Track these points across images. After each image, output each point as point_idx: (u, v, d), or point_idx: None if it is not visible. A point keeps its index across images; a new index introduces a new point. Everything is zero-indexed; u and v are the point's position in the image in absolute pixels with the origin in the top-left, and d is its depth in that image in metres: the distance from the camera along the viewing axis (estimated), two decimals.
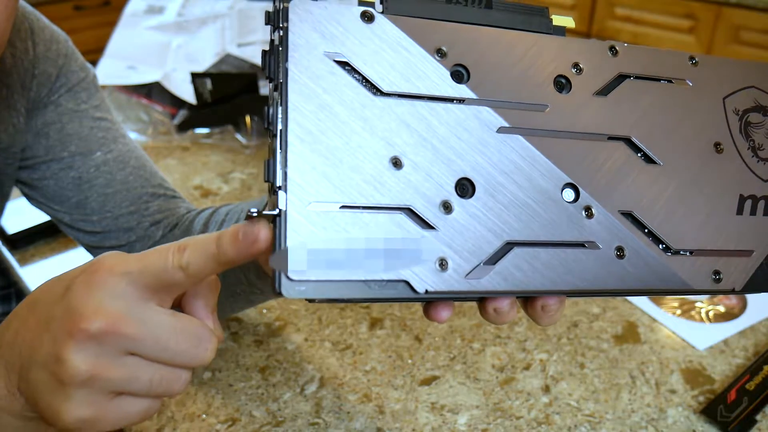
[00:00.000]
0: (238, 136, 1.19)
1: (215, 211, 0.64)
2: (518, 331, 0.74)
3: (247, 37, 1.27)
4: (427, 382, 0.68)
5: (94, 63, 1.22)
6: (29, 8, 0.65)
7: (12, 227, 0.91)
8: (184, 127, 1.20)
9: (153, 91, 1.24)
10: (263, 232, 0.34)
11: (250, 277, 0.56)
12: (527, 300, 0.41)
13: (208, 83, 1.16)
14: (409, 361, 0.70)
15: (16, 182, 0.68)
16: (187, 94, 1.18)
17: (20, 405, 0.38)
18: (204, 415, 0.63)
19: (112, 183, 0.66)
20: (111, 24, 1.38)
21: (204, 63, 1.23)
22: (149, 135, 1.19)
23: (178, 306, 0.39)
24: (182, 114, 1.20)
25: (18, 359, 0.37)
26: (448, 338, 0.73)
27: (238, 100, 1.18)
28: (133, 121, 1.21)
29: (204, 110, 1.19)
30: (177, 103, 1.21)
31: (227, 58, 1.23)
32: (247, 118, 1.19)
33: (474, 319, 0.76)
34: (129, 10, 1.37)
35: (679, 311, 0.77)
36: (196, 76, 1.16)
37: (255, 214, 0.34)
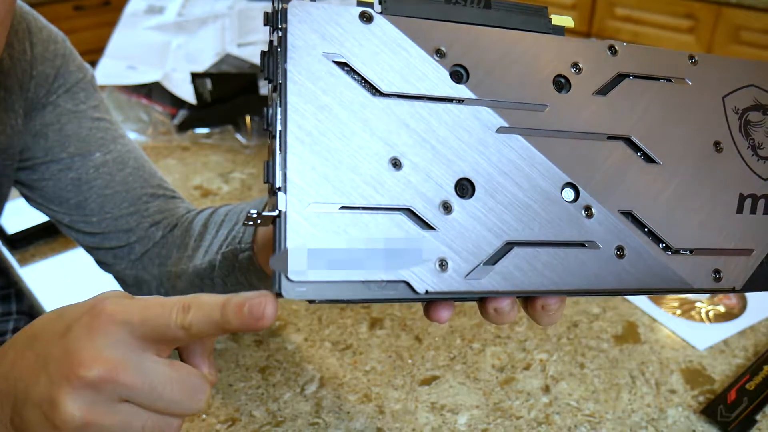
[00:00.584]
0: (238, 136, 1.19)
1: (214, 212, 0.64)
2: (518, 331, 0.74)
3: (247, 37, 1.27)
4: (427, 382, 0.68)
5: (94, 63, 1.22)
6: (27, 8, 0.65)
7: (12, 227, 0.91)
8: (184, 127, 1.20)
9: (153, 91, 1.24)
10: (269, 308, 0.34)
11: (252, 279, 0.56)
12: (527, 300, 0.41)
13: (208, 83, 1.16)
14: (409, 361, 0.70)
15: (15, 183, 0.68)
16: (187, 94, 1.18)
17: None
18: (204, 415, 0.63)
19: (111, 184, 0.66)
20: (111, 24, 1.38)
21: (204, 63, 1.22)
22: (149, 135, 1.19)
23: (176, 348, 0.40)
24: (182, 114, 1.20)
25: (13, 392, 0.37)
26: (448, 338, 0.73)
27: (238, 100, 1.18)
28: (133, 121, 1.21)
29: (204, 110, 1.19)
30: (177, 103, 1.21)
31: (227, 58, 1.23)
32: (247, 118, 1.19)
33: (474, 319, 0.76)
34: (129, 10, 1.37)
35: (679, 311, 0.77)
36: (196, 76, 1.16)
37: (255, 215, 0.34)
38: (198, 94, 1.17)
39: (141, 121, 1.21)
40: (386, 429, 0.62)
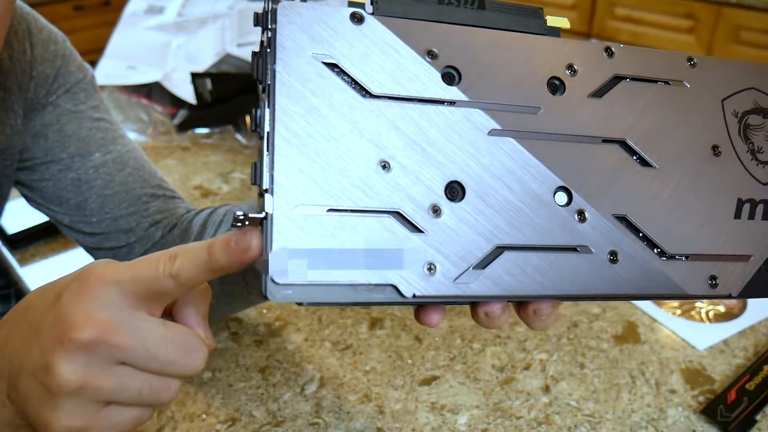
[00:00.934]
0: (238, 136, 1.19)
1: (213, 212, 0.64)
2: (518, 331, 0.74)
3: (247, 37, 1.27)
4: (427, 382, 0.68)
5: (94, 63, 1.22)
6: (27, 9, 0.65)
7: (12, 227, 0.91)
8: (184, 127, 1.20)
9: (153, 91, 1.24)
10: (255, 240, 0.33)
11: (248, 277, 0.56)
12: (520, 304, 0.41)
13: (208, 83, 1.16)
14: (409, 361, 0.70)
15: (15, 183, 0.68)
16: (187, 94, 1.18)
17: (10, 414, 0.38)
18: (204, 415, 0.63)
19: (111, 184, 0.66)
20: (111, 24, 1.38)
21: (204, 63, 1.22)
22: (149, 135, 1.19)
23: (169, 314, 0.39)
24: (182, 114, 1.20)
25: (8, 367, 0.37)
26: (448, 338, 0.73)
27: (238, 100, 1.18)
28: (133, 121, 1.21)
29: (204, 110, 1.19)
30: (177, 103, 1.21)
31: (227, 58, 1.23)
32: (247, 118, 1.19)
33: None
34: (129, 10, 1.37)
35: (679, 311, 0.77)
36: (196, 76, 1.16)
37: (241, 217, 0.34)
38: (198, 94, 1.17)
39: (141, 121, 1.21)
40: (386, 429, 0.62)
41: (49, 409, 0.35)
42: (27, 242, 0.91)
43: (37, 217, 0.89)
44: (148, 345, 0.35)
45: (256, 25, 0.36)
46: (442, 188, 0.36)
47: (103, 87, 1.22)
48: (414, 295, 0.35)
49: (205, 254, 0.34)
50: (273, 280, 0.33)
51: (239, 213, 0.34)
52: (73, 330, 0.34)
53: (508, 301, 0.40)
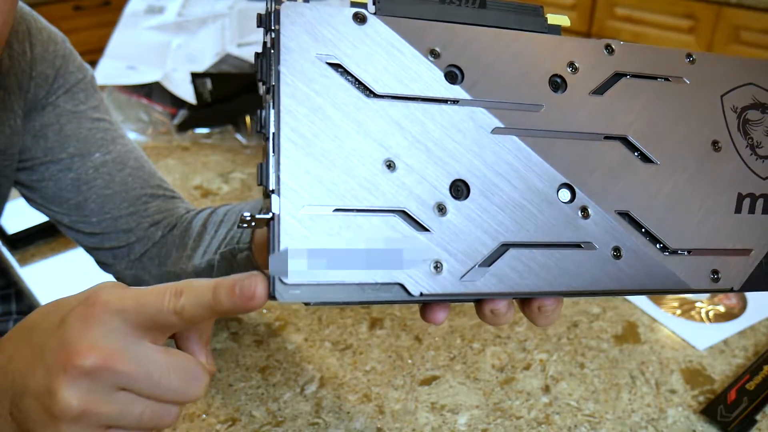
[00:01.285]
0: (238, 136, 1.19)
1: (213, 212, 0.64)
2: (518, 331, 0.74)
3: (247, 37, 1.27)
4: (427, 382, 0.68)
5: (94, 63, 1.21)
6: (27, 9, 0.65)
7: (12, 227, 0.91)
8: (184, 127, 1.20)
9: (153, 91, 1.24)
10: (260, 287, 0.33)
11: None
12: (524, 301, 0.41)
13: (208, 83, 1.16)
14: (409, 361, 0.70)
15: (14, 183, 0.68)
16: (187, 94, 1.18)
17: (12, 429, 0.38)
18: (204, 415, 0.63)
19: (111, 184, 0.66)
20: (111, 24, 1.38)
21: (204, 63, 1.22)
22: (149, 135, 1.19)
23: (173, 337, 0.40)
24: (182, 114, 1.20)
25: (11, 385, 0.37)
26: (448, 338, 0.73)
27: (238, 100, 1.18)
28: (133, 121, 1.21)
29: (204, 110, 1.19)
30: (177, 103, 1.21)
31: (227, 58, 1.23)
32: (247, 118, 1.19)
33: (474, 319, 0.76)
34: (129, 10, 1.37)
35: (679, 311, 0.77)
36: (196, 76, 1.16)
37: (249, 218, 0.34)
38: (198, 94, 1.17)
39: (141, 121, 1.21)
40: (386, 429, 0.62)
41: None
42: (27, 242, 0.91)
43: (37, 217, 0.89)
44: (150, 373, 0.35)
45: (259, 26, 0.36)
46: (447, 187, 0.37)
47: (103, 87, 1.22)
48: (421, 294, 0.35)
49: (209, 296, 0.35)
50: (281, 281, 0.33)
51: (246, 214, 0.34)
52: (77, 356, 0.34)
53: (513, 298, 0.40)
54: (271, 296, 0.33)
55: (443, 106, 0.37)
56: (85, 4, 2.60)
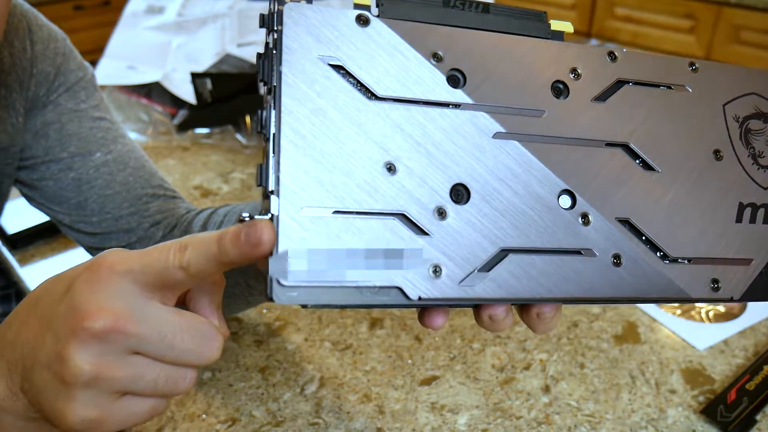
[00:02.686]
0: (238, 136, 1.19)
1: (214, 212, 0.64)
2: (518, 331, 0.74)
3: (247, 37, 1.27)
4: (427, 382, 0.68)
5: (94, 63, 1.21)
6: (27, 7, 0.65)
7: (12, 227, 0.91)
8: (184, 127, 1.20)
9: (153, 91, 1.24)
10: (266, 233, 0.33)
11: (249, 280, 0.56)
12: (523, 307, 0.41)
13: (208, 83, 1.16)
14: (409, 361, 0.70)
15: (15, 183, 0.68)
16: (187, 94, 1.18)
17: (23, 405, 0.38)
18: (204, 415, 0.63)
19: (111, 184, 0.66)
20: (111, 24, 1.38)
21: (204, 63, 1.22)
22: (149, 135, 1.19)
23: (183, 303, 0.39)
24: (182, 114, 1.20)
25: (20, 359, 0.37)
26: (448, 338, 0.73)
27: (238, 100, 1.18)
28: (133, 121, 1.21)
29: (204, 110, 1.19)
30: (177, 103, 1.21)
31: (227, 58, 1.23)
32: (247, 118, 1.19)
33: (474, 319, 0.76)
34: (129, 10, 1.37)
35: (679, 311, 0.77)
36: (196, 76, 1.16)
37: (247, 219, 0.33)
38: (198, 94, 1.17)
39: (141, 121, 1.21)
40: (386, 429, 0.62)
41: (64, 400, 0.35)
42: (27, 242, 0.91)
43: (37, 217, 0.89)
44: (163, 333, 0.34)
45: (261, 26, 0.36)
46: (447, 191, 0.36)
47: (103, 87, 1.22)
48: (419, 298, 0.35)
49: (214, 247, 0.34)
50: (278, 282, 0.33)
51: (245, 214, 0.33)
52: (86, 319, 0.33)
53: (512, 304, 0.40)
54: (269, 298, 0.33)
55: (445, 110, 0.37)
56: (85, 4, 2.60)
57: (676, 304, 0.78)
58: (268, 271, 0.33)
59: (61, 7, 2.52)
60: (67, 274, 0.37)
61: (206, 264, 0.34)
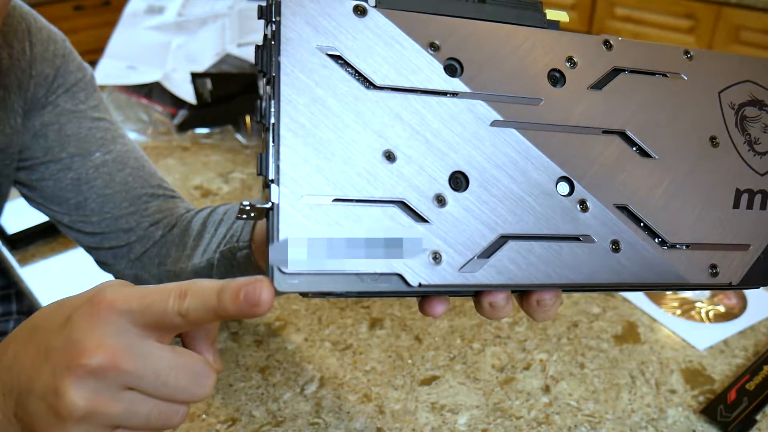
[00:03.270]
0: (238, 136, 1.19)
1: (213, 211, 0.64)
2: (518, 331, 0.74)
3: (247, 37, 1.27)
4: (427, 382, 0.68)
5: (94, 63, 1.21)
6: (27, 8, 0.65)
7: (12, 227, 0.91)
8: (184, 127, 1.20)
9: (153, 91, 1.24)
10: (265, 293, 0.33)
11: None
12: (522, 295, 0.41)
13: (208, 83, 1.16)
14: (409, 361, 0.70)
15: (15, 183, 0.68)
16: (187, 94, 1.18)
17: (16, 431, 0.38)
18: (204, 415, 0.63)
19: (111, 184, 0.66)
20: (111, 24, 1.38)
21: (204, 63, 1.22)
22: (149, 135, 1.19)
23: (179, 336, 0.39)
24: (182, 114, 1.20)
25: (16, 385, 0.37)
26: (448, 338, 0.73)
27: (238, 100, 1.18)
28: (133, 121, 1.21)
29: (204, 110, 1.19)
30: (177, 103, 1.21)
31: (227, 58, 1.23)
32: (247, 118, 1.19)
33: (474, 319, 0.76)
34: (129, 10, 1.37)
35: (679, 311, 0.77)
36: (196, 76, 1.16)
37: (248, 208, 0.34)
38: (198, 94, 1.17)
39: (141, 121, 1.21)
40: (386, 429, 0.62)
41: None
42: (27, 242, 0.91)
43: (37, 217, 0.89)
44: (158, 372, 0.35)
45: (260, 17, 0.36)
46: (446, 178, 0.37)
47: (103, 87, 1.22)
48: (420, 284, 0.35)
49: (214, 300, 0.34)
50: (280, 270, 0.33)
51: (245, 203, 0.34)
52: (83, 355, 0.34)
53: (513, 291, 0.40)
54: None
55: (442, 99, 0.37)
56: (85, 4, 2.60)
57: (676, 304, 0.78)
58: (270, 259, 0.33)
59: (61, 8, 2.52)
60: (67, 303, 0.37)
61: (205, 314, 0.35)
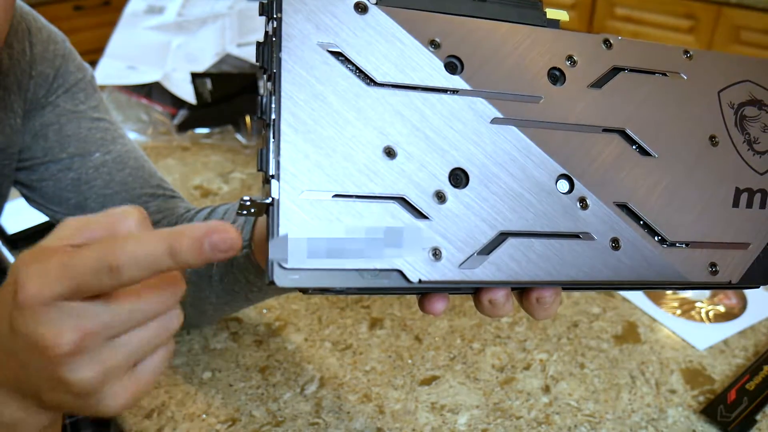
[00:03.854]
0: (238, 136, 1.19)
1: (213, 210, 0.64)
2: (518, 331, 0.74)
3: (247, 37, 1.27)
4: (427, 382, 0.68)
5: (94, 63, 1.21)
6: (27, 8, 0.65)
7: (12, 227, 0.90)
8: (184, 127, 1.20)
9: (153, 91, 1.24)
10: (233, 234, 0.31)
11: (249, 276, 0.56)
12: (522, 293, 0.41)
13: (208, 83, 1.16)
14: (409, 361, 0.70)
15: (14, 183, 0.68)
16: (187, 94, 1.18)
17: (48, 417, 0.38)
18: (204, 415, 0.63)
19: (111, 184, 0.66)
20: (111, 24, 1.38)
21: (204, 63, 1.22)
22: (149, 135, 1.19)
23: None
24: (182, 114, 1.20)
25: (18, 387, 0.37)
26: (448, 338, 0.73)
27: (238, 100, 1.18)
28: (133, 121, 1.21)
29: (204, 110, 1.19)
30: (177, 103, 1.21)
31: (227, 58, 1.23)
32: (247, 118, 1.19)
33: (474, 319, 0.76)
34: (129, 10, 1.37)
35: (679, 311, 0.77)
36: (196, 76, 1.16)
37: (248, 203, 0.34)
38: (198, 94, 1.17)
39: (141, 121, 1.21)
40: (386, 429, 0.62)
41: (94, 403, 0.35)
42: (27, 242, 0.90)
43: (37, 217, 0.88)
44: (124, 307, 0.34)
45: (261, 14, 0.36)
46: (446, 175, 0.37)
47: (103, 87, 1.22)
48: (420, 281, 0.36)
49: (165, 262, 0.32)
50: (280, 265, 0.33)
51: (245, 198, 0.34)
52: (53, 349, 0.33)
53: (512, 289, 0.40)
54: (270, 281, 0.33)
55: (443, 96, 0.37)
56: (85, 4, 2.60)
57: (676, 304, 0.78)
58: (270, 254, 0.33)
59: (61, 8, 2.52)
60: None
61: (150, 274, 0.33)
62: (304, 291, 0.36)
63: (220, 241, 0.31)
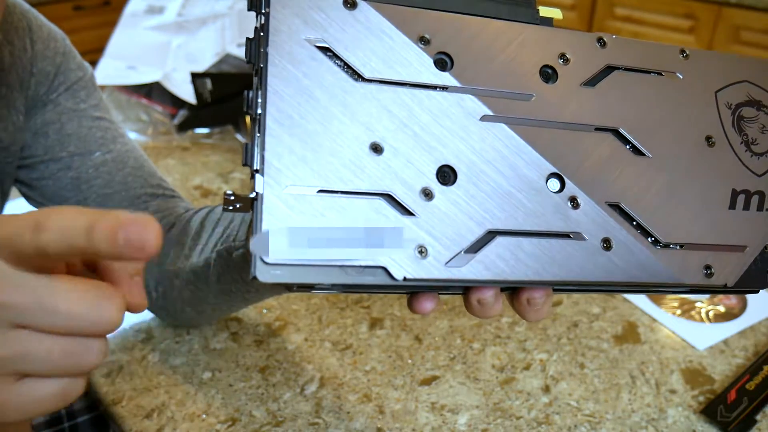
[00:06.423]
0: (238, 136, 1.19)
1: (212, 210, 0.64)
2: (518, 331, 0.74)
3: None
4: (427, 382, 0.68)
5: (94, 63, 1.21)
6: (27, 6, 0.65)
7: None
8: (184, 127, 1.20)
9: (153, 91, 1.24)
10: (150, 235, 0.29)
11: (247, 277, 0.56)
12: (513, 294, 0.41)
13: (208, 83, 1.16)
14: (409, 361, 0.70)
15: (15, 182, 0.68)
16: (187, 94, 1.18)
17: None
18: (204, 415, 0.63)
19: (110, 183, 0.66)
20: (111, 24, 1.38)
21: (204, 63, 1.22)
22: (149, 135, 1.19)
23: (93, 272, 0.34)
24: (182, 114, 1.20)
25: None
26: (448, 338, 0.73)
27: (238, 100, 1.18)
28: (133, 121, 1.21)
29: (204, 110, 1.19)
30: (177, 103, 1.21)
31: (227, 58, 1.23)
32: (247, 118, 1.19)
33: (474, 319, 0.76)
34: (129, 10, 1.37)
35: (679, 311, 0.77)
36: (196, 76, 1.16)
37: (231, 198, 0.34)
38: (198, 94, 1.17)
39: (141, 121, 1.21)
40: (386, 429, 0.62)
41: None
42: None
43: None
44: (42, 298, 0.30)
45: (250, 9, 0.36)
46: (434, 172, 0.36)
47: (103, 87, 1.22)
48: (405, 278, 0.35)
49: (82, 239, 0.29)
50: (262, 260, 0.33)
51: (229, 192, 0.34)
52: None
53: (501, 288, 0.40)
54: (253, 277, 0.33)
55: (432, 92, 0.37)
56: (85, 4, 2.60)
57: (676, 304, 0.78)
58: (252, 248, 0.33)
59: (61, 7, 2.52)
60: None
61: (72, 251, 0.30)
62: (288, 288, 0.35)
63: (135, 237, 0.29)
